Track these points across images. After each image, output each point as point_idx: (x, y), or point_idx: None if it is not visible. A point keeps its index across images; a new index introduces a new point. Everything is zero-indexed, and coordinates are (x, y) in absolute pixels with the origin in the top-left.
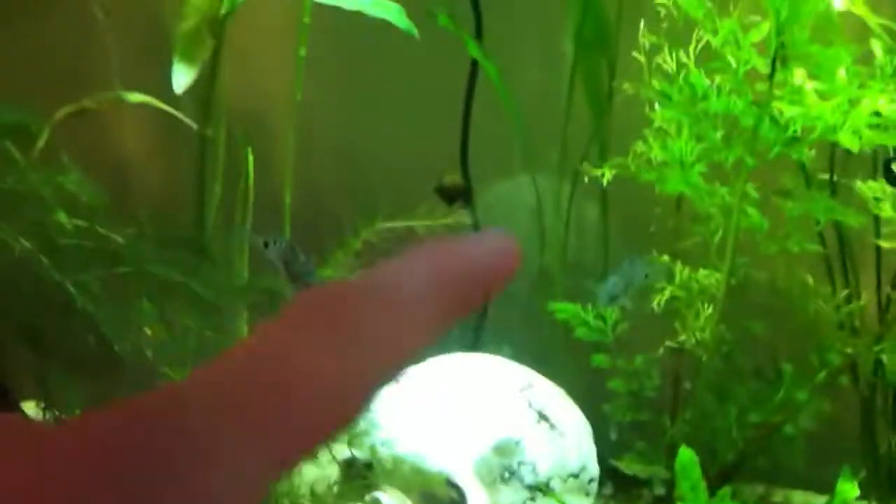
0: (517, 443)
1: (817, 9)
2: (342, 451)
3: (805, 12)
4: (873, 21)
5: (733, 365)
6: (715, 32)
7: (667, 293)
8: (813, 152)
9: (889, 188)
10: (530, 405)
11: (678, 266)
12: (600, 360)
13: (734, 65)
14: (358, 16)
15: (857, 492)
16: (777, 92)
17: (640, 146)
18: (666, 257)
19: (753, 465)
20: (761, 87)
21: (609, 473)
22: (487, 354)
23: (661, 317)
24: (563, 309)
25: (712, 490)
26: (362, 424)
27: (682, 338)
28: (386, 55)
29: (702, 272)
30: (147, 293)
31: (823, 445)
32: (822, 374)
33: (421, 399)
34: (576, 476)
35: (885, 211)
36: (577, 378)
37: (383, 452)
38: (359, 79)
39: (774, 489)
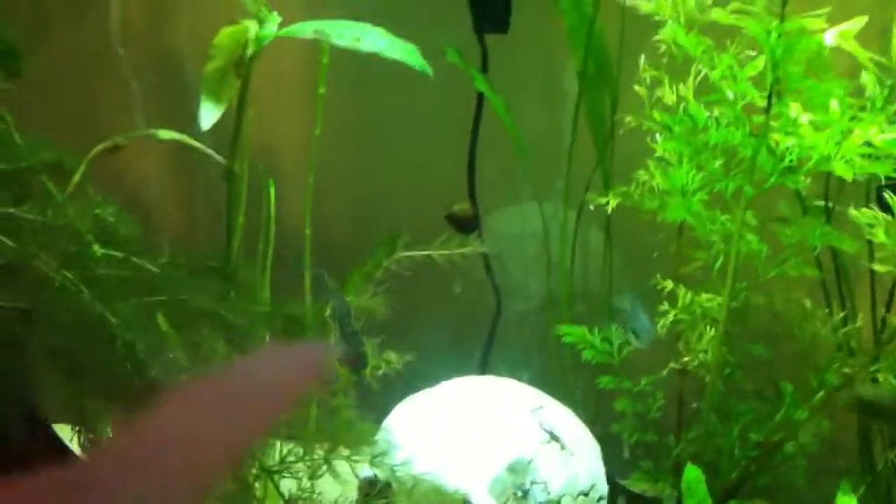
0: (529, 462)
1: (810, 46)
2: (363, 469)
3: (798, 49)
4: (863, 56)
5: (735, 386)
6: (713, 67)
7: (671, 316)
8: (808, 181)
9: (881, 215)
10: (542, 426)
11: (681, 290)
12: (607, 381)
13: (732, 98)
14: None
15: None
16: (773, 124)
17: (642, 175)
18: (669, 282)
19: (756, 482)
20: (758, 119)
21: (618, 492)
22: (499, 377)
23: (666, 339)
24: (571, 332)
25: None
26: (382, 444)
27: (686, 359)
28: (397, 90)
29: (704, 296)
30: (180, 320)
31: (823, 463)
32: (821, 394)
33: (438, 420)
34: (586, 494)
35: (878, 236)
36: (585, 399)
37: (403, 472)
38: (370, 113)
39: None
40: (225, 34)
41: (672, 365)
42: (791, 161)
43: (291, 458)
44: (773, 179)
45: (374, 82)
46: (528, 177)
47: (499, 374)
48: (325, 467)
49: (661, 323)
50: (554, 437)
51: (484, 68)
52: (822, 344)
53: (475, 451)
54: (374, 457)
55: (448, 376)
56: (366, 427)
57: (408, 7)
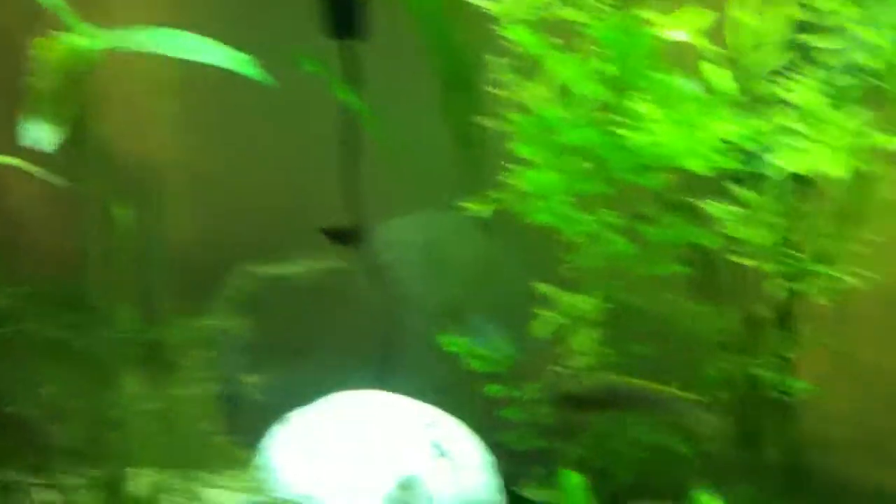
0: (419, 479)
1: (649, 42)
2: (238, 498)
3: (639, 44)
4: (712, 51)
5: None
6: (561, 67)
7: (550, 319)
8: (669, 177)
9: (733, 208)
10: (432, 441)
11: (559, 293)
12: (495, 389)
13: (582, 97)
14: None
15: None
16: (629, 122)
17: (511, 179)
18: (546, 286)
19: (650, 484)
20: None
21: (515, 501)
22: (390, 392)
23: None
24: (454, 343)
25: None
26: (261, 468)
27: (567, 363)
28: (264, 104)
29: (580, 298)
30: (30, 351)
31: (718, 462)
32: (699, 392)
33: (323, 439)
34: None
35: (737, 231)
36: (480, 409)
37: (281, 497)
38: (239, 128)
39: None
40: (47, 48)
41: (551, 368)
42: (645, 159)
43: (162, 489)
44: (628, 178)
45: (243, 96)
46: (416, 184)
47: (396, 386)
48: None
49: (540, 328)
50: (444, 453)
51: (357, 76)
52: (701, 342)
53: (364, 469)
54: (249, 482)
55: (343, 390)
56: (240, 452)
57: (277, 14)
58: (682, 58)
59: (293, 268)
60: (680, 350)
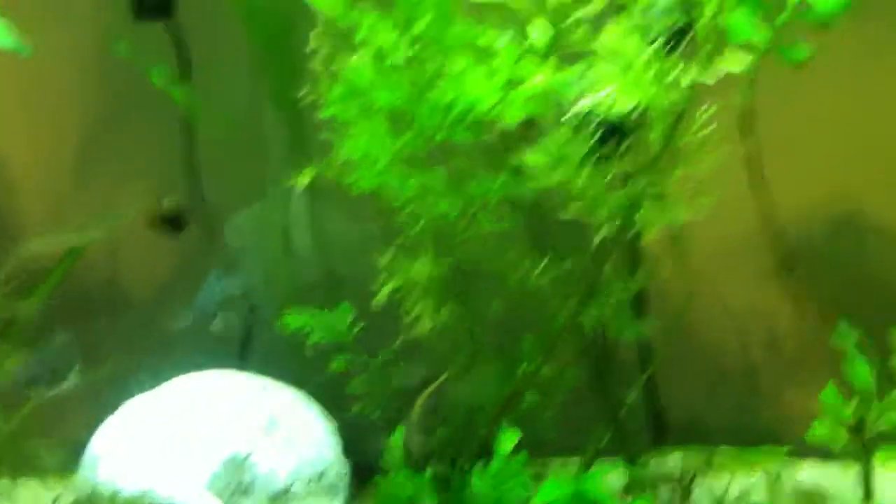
0: (249, 455)
1: None
2: (62, 490)
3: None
4: (523, 3)
5: (477, 347)
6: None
7: (389, 286)
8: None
9: (546, 157)
10: (263, 415)
11: (400, 260)
12: (340, 362)
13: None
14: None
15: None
16: (440, 79)
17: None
18: (390, 252)
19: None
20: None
21: (361, 468)
22: (224, 371)
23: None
24: (295, 319)
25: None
26: (87, 461)
27: (420, 327)
28: (93, 97)
29: (419, 262)
30: None
31: (570, 412)
32: (549, 343)
33: (152, 426)
34: (319, 479)
35: (555, 178)
36: (333, 383)
37: (104, 488)
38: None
39: (533, 460)
40: None
41: (404, 337)
42: (458, 115)
43: None
44: (440, 135)
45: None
46: (250, 163)
47: (258, 367)
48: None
49: (380, 295)
50: (277, 425)
51: (185, 58)
52: (542, 293)
53: (189, 452)
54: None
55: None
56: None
57: None
58: (504, 12)
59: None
60: (525, 304)
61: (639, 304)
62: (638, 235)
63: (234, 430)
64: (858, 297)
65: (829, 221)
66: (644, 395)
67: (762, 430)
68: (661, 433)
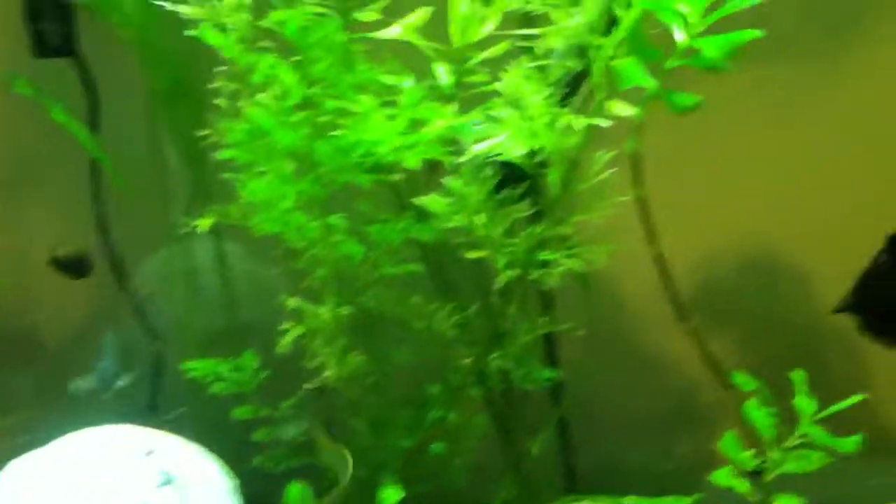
0: None
1: (337, 38)
2: None
3: (334, 45)
4: (427, 46)
5: (382, 395)
6: (252, 70)
7: (293, 333)
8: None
9: (446, 200)
10: (154, 470)
11: (305, 304)
12: (243, 412)
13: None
14: None
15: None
16: (340, 122)
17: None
18: (293, 299)
19: (415, 490)
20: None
21: None
22: (114, 425)
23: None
24: (197, 367)
25: None
26: None
27: (324, 375)
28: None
29: (323, 308)
30: None
31: (482, 460)
32: (451, 391)
33: (33, 484)
34: None
35: (456, 220)
36: (237, 434)
37: None
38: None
39: None
40: None
41: (306, 386)
42: (359, 157)
43: None
44: (341, 177)
45: None
46: (154, 204)
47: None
48: None
49: (284, 342)
50: (170, 481)
51: (93, 97)
52: (446, 339)
53: None
54: None
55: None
56: None
57: None
58: (411, 55)
59: None
60: (430, 350)
61: (548, 350)
62: (542, 280)
63: (127, 486)
64: (766, 340)
65: (735, 265)
66: (556, 443)
67: (676, 478)
68: (572, 482)
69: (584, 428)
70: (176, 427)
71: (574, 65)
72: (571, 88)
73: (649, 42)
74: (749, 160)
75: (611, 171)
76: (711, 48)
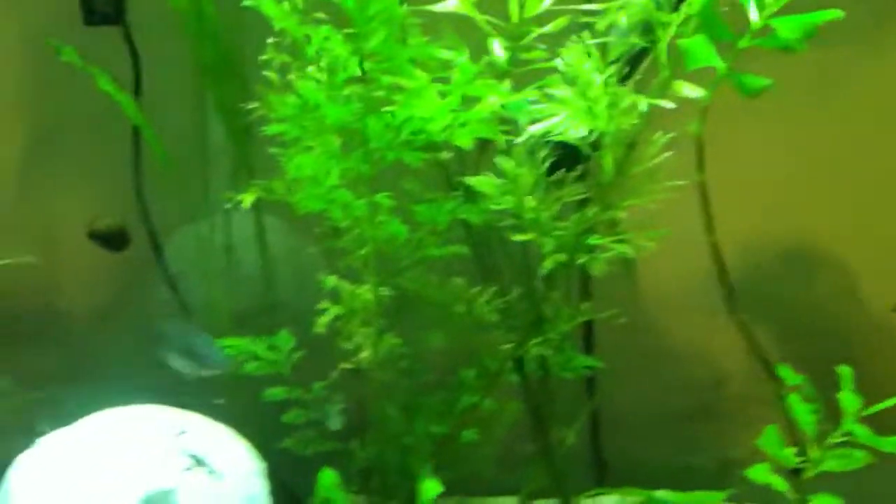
0: (168, 493)
1: (396, 12)
2: None
3: (392, 17)
4: (482, 20)
5: (416, 379)
6: (309, 42)
7: (331, 313)
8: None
9: (495, 180)
10: (185, 452)
11: (343, 284)
12: (276, 392)
13: (333, 72)
14: None
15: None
16: (391, 97)
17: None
18: (330, 278)
19: (448, 477)
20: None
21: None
22: (143, 405)
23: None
24: (232, 345)
25: None
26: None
27: (360, 357)
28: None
29: (362, 288)
30: None
31: (511, 448)
32: (488, 377)
33: (65, 462)
34: None
35: (506, 202)
36: (268, 415)
37: None
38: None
39: (471, 499)
40: None
41: (343, 365)
42: (409, 135)
43: None
44: (390, 155)
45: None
46: (197, 178)
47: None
48: None
49: (321, 321)
50: (199, 462)
51: (137, 67)
52: (485, 324)
53: (111, 487)
54: None
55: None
56: None
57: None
58: (462, 30)
59: None
60: (468, 334)
61: (586, 339)
62: (588, 266)
63: (156, 467)
64: (809, 334)
65: (778, 257)
66: (587, 435)
67: (705, 473)
68: (602, 474)
69: (616, 421)
70: (206, 408)
71: (638, 42)
72: (631, 67)
73: (720, 20)
74: (795, 150)
75: (666, 154)
76: (787, 28)
